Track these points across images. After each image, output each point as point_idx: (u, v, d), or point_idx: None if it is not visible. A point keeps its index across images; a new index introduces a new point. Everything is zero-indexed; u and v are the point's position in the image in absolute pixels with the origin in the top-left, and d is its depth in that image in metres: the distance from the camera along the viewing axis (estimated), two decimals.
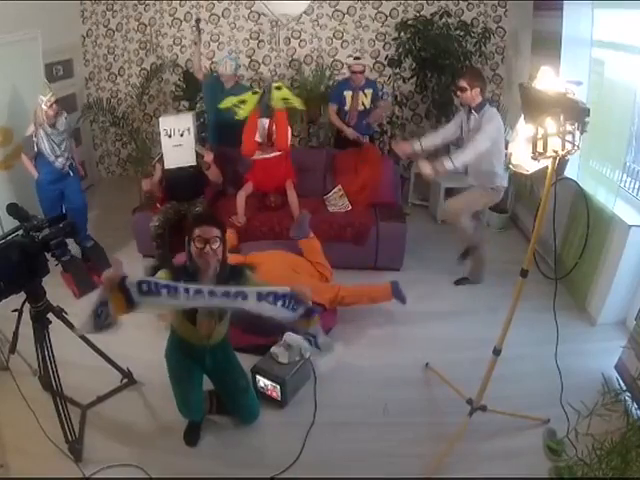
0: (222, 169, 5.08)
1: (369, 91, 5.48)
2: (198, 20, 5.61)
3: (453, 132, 4.40)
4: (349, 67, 5.48)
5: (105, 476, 2.91)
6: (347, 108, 5.52)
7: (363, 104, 5.50)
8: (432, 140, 4.45)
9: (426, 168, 3.98)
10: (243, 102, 4.81)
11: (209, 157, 4.86)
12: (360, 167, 5.37)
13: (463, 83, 4.12)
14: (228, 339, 3.21)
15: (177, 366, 3.12)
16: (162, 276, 2.68)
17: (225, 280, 2.76)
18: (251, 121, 4.89)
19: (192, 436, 3.18)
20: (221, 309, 2.88)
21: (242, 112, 4.80)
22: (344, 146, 5.63)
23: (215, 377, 3.24)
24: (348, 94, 5.47)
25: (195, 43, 5.54)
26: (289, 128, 4.97)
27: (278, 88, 4.85)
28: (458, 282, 4.86)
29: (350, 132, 5.53)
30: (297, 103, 4.94)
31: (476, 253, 4.68)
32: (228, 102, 4.86)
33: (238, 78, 5.65)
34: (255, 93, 4.88)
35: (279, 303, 2.60)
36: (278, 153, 4.95)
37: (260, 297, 2.58)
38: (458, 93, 4.22)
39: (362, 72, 5.39)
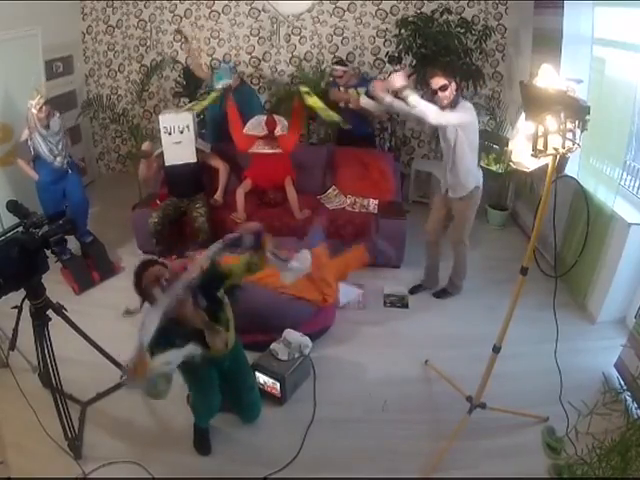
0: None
1: (362, 90, 5.45)
2: (179, 31, 5.86)
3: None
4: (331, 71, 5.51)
5: (105, 473, 2.91)
6: (342, 105, 5.50)
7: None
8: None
9: (400, 79, 3.76)
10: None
11: (220, 198, 5.07)
12: (362, 166, 5.37)
13: (442, 82, 3.79)
14: (239, 338, 3.17)
15: (198, 377, 2.98)
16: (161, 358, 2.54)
17: (207, 287, 2.73)
18: (232, 115, 4.94)
19: (205, 445, 3.13)
20: (225, 320, 2.85)
21: (196, 107, 4.89)
22: (347, 142, 5.63)
23: (227, 376, 3.19)
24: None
25: (186, 39, 5.64)
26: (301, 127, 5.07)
27: (308, 93, 4.85)
28: (438, 295, 4.71)
29: (353, 100, 5.39)
30: (336, 116, 4.90)
31: (459, 263, 4.58)
32: (199, 106, 4.96)
33: (238, 77, 5.61)
34: (217, 91, 4.98)
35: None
36: (278, 151, 4.95)
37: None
38: (439, 93, 3.81)
39: (341, 76, 5.44)
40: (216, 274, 2.76)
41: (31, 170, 4.65)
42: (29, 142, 4.51)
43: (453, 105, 3.87)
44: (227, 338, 2.93)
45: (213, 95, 4.93)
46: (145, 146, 4.89)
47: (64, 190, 4.83)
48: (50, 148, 4.54)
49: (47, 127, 4.54)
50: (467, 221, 4.31)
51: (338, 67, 5.46)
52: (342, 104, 5.43)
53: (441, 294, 4.70)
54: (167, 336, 2.51)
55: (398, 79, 3.75)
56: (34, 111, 4.42)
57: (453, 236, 4.44)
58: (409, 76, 4.03)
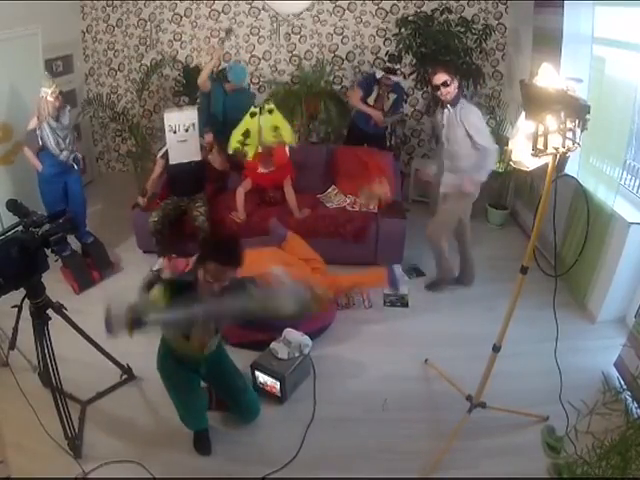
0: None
1: (392, 96, 5.48)
2: (230, 31, 5.63)
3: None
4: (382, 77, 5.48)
5: (105, 473, 2.91)
6: (370, 101, 5.52)
7: (383, 107, 5.51)
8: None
9: (469, 186, 4.03)
10: (246, 133, 4.85)
11: (209, 137, 4.91)
12: (362, 165, 5.37)
13: (444, 77, 3.92)
14: (221, 343, 3.18)
15: (173, 377, 3.01)
16: (156, 293, 2.54)
17: (226, 292, 2.69)
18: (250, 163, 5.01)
19: (204, 445, 3.12)
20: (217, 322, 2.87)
21: (251, 151, 4.86)
22: (358, 138, 5.63)
23: (212, 381, 3.23)
24: (376, 90, 5.49)
25: (218, 57, 5.45)
26: (287, 154, 5.04)
27: (270, 111, 4.87)
28: (458, 281, 4.75)
29: (376, 114, 5.49)
30: (287, 135, 4.94)
31: (465, 257, 4.64)
32: (235, 142, 4.89)
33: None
34: (253, 115, 4.89)
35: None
36: (274, 169, 5.01)
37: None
38: (441, 89, 3.95)
39: (390, 85, 5.43)
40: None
41: (36, 160, 4.59)
42: (37, 131, 4.47)
43: (454, 102, 3.96)
44: (208, 341, 2.93)
45: (255, 121, 4.90)
46: (141, 202, 5.01)
47: (65, 185, 4.80)
48: (57, 141, 4.50)
49: (57, 119, 4.50)
50: (447, 216, 4.34)
51: (392, 77, 5.41)
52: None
53: (431, 286, 4.74)
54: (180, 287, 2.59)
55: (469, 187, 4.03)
56: (50, 99, 4.36)
57: (429, 227, 4.46)
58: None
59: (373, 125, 5.57)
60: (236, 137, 4.89)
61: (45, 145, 4.48)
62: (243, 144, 4.87)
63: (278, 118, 4.92)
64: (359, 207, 5.18)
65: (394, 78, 5.43)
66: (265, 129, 4.86)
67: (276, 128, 4.86)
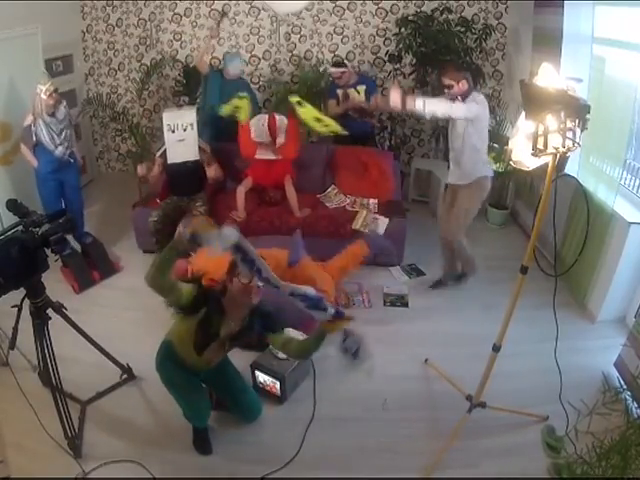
0: (222, 165, 5.08)
1: (361, 87, 5.44)
2: (224, 14, 5.71)
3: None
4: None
5: (104, 473, 2.91)
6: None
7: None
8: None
9: (396, 96, 3.69)
10: (237, 108, 4.79)
11: (207, 156, 4.92)
12: (362, 165, 5.37)
13: (447, 81, 3.97)
14: None
15: (174, 378, 3.00)
16: (184, 289, 2.69)
17: (251, 324, 2.81)
18: (243, 128, 4.93)
19: (204, 445, 3.12)
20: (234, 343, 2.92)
21: (243, 117, 4.80)
22: (344, 141, 5.63)
23: (212, 383, 3.22)
24: (340, 92, 5.48)
25: (212, 37, 5.51)
26: (298, 137, 5.01)
27: (299, 103, 4.63)
28: (457, 279, 4.73)
29: (353, 104, 5.41)
30: (332, 123, 4.68)
31: (460, 257, 4.60)
32: (227, 109, 4.82)
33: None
34: (241, 98, 4.81)
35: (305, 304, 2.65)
36: (279, 157, 4.96)
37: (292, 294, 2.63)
38: (446, 90, 4.02)
39: (340, 77, 5.37)
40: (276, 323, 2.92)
41: (32, 156, 4.60)
42: (32, 128, 4.47)
43: (464, 98, 3.94)
44: (213, 360, 2.97)
45: (245, 102, 4.79)
46: (140, 170, 4.95)
47: (62, 182, 4.81)
48: (52, 136, 4.50)
49: (53, 115, 4.49)
50: (465, 213, 4.30)
51: (333, 69, 5.41)
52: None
53: (437, 284, 4.74)
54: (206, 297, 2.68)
55: (395, 97, 3.70)
56: (43, 97, 4.37)
57: (447, 229, 4.42)
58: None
59: (357, 126, 5.47)
60: (229, 109, 4.81)
61: (39, 140, 4.49)
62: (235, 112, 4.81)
63: (313, 110, 4.70)
64: (359, 207, 5.16)
65: (335, 69, 5.36)
66: (310, 123, 4.67)
67: (319, 119, 4.68)
